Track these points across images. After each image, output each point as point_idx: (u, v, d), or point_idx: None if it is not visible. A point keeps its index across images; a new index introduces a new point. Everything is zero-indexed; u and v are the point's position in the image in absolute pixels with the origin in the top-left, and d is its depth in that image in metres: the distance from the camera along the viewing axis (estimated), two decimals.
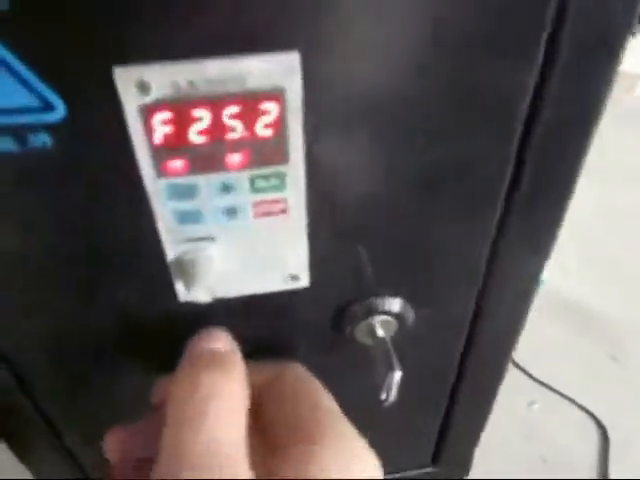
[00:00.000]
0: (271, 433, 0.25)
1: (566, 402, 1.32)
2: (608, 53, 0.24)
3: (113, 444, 0.27)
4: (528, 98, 0.25)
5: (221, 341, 0.25)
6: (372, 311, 0.32)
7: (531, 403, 1.31)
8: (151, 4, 0.20)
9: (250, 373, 0.25)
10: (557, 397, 1.32)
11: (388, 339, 0.32)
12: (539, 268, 0.33)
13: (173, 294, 0.29)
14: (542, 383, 1.32)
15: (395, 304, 0.32)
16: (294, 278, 0.30)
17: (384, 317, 0.32)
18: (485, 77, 0.24)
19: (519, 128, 0.26)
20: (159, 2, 0.20)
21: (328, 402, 0.26)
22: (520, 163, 0.27)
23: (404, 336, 0.33)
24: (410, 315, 0.33)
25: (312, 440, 0.23)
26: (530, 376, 1.29)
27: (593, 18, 0.23)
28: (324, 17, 0.21)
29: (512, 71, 0.24)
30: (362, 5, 0.21)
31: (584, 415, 1.30)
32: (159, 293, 0.29)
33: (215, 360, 0.24)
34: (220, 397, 0.23)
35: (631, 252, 1.50)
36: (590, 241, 1.52)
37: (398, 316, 0.32)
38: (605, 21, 0.23)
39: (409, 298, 0.32)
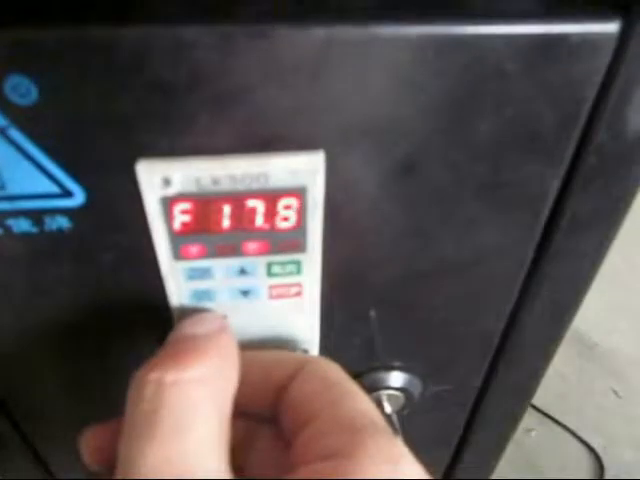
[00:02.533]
0: (293, 444, 0.21)
1: (564, 432, 1.31)
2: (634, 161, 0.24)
3: (92, 445, 0.22)
4: (552, 197, 0.25)
5: (205, 324, 0.22)
6: (379, 385, 0.31)
7: (529, 430, 1.30)
8: (176, 102, 0.20)
9: (261, 367, 0.23)
10: (555, 426, 1.32)
11: (394, 413, 0.32)
12: (555, 345, 0.33)
13: None
14: (541, 411, 1.32)
15: (403, 379, 0.32)
16: (304, 352, 0.29)
17: (391, 392, 0.32)
18: (512, 176, 0.24)
19: (542, 224, 0.26)
20: (184, 101, 0.20)
21: (366, 404, 0.22)
22: (539, 255, 0.27)
23: (410, 407, 0.33)
24: (417, 390, 0.32)
25: (346, 454, 0.19)
26: (530, 404, 1.28)
27: (622, 128, 0.22)
28: (349, 119, 0.21)
29: (538, 173, 0.24)
30: (386, 107, 0.21)
31: (581, 446, 1.29)
32: None
33: (193, 346, 0.21)
34: (189, 396, 0.19)
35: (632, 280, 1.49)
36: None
37: (405, 391, 0.32)
38: (633, 133, 0.23)
39: (417, 373, 0.32)
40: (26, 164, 0.21)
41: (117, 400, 0.21)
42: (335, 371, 0.23)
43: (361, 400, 0.22)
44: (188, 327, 0.23)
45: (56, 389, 0.32)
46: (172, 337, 0.22)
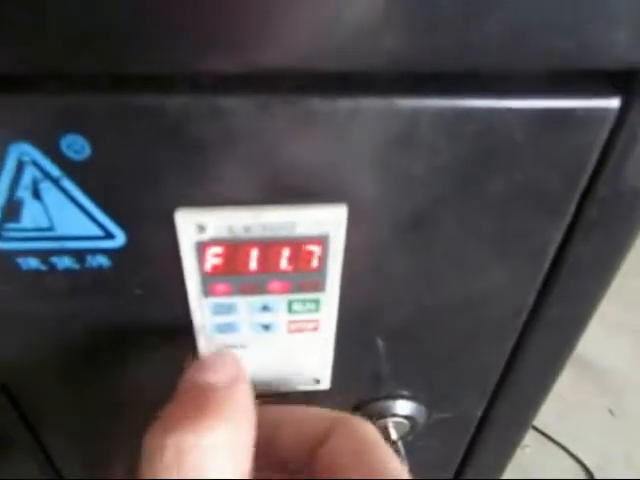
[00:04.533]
0: None
1: (558, 449, 1.33)
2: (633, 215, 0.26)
3: None
4: (555, 246, 0.27)
5: (221, 370, 0.22)
6: (386, 413, 0.33)
7: (523, 447, 1.32)
8: (212, 159, 0.22)
9: (295, 422, 0.23)
10: (550, 443, 1.33)
11: (399, 440, 0.33)
12: (555, 376, 0.34)
13: None
14: (536, 428, 1.34)
15: (409, 407, 0.33)
16: (316, 381, 0.31)
17: (397, 419, 0.34)
18: (517, 229, 0.26)
19: (544, 269, 0.28)
20: (220, 157, 0.22)
21: (397, 465, 0.22)
22: (541, 297, 0.29)
23: (414, 433, 0.35)
24: (422, 418, 0.34)
25: None
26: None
27: (620, 186, 0.24)
28: (370, 176, 0.23)
29: (542, 226, 0.26)
30: (405, 167, 0.23)
31: (575, 464, 1.31)
32: None
33: (209, 403, 0.20)
34: (209, 460, 0.19)
35: (638, 304, 1.50)
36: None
37: (410, 418, 0.34)
38: (630, 189, 0.25)
39: (422, 402, 0.34)
40: (74, 210, 0.22)
41: (132, 411, 0.22)
42: (371, 431, 0.24)
43: (394, 461, 0.22)
44: (203, 373, 0.22)
45: (78, 398, 0.33)
46: (187, 383, 0.22)
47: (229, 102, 0.20)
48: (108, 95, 0.20)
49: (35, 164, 0.21)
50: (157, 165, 0.22)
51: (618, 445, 1.29)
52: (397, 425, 0.34)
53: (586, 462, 1.28)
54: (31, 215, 0.22)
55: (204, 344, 0.28)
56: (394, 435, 0.33)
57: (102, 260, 0.24)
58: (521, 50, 0.20)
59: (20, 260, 0.24)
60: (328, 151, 0.22)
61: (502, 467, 0.43)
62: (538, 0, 0.19)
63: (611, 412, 1.35)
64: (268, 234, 0.24)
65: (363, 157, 0.22)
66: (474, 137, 0.22)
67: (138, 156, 0.21)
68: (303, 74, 0.20)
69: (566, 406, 1.34)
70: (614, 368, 1.42)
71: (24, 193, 0.22)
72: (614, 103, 0.21)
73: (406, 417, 0.34)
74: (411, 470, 0.30)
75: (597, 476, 1.26)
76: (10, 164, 0.21)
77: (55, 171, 0.21)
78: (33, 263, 0.24)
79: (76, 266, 0.24)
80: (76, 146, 0.21)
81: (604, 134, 0.22)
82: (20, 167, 0.21)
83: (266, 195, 0.23)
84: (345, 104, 0.21)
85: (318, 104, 0.20)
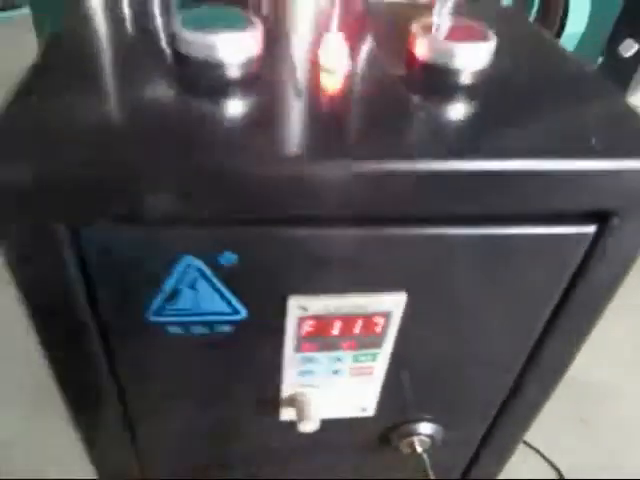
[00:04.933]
0: None
1: (531, 453, 1.43)
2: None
3: None
4: (546, 317, 0.37)
5: None
6: (412, 432, 0.43)
7: None
8: (316, 266, 0.31)
9: None
10: (525, 447, 1.43)
11: (424, 452, 0.43)
12: (547, 400, 0.44)
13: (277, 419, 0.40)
14: None
15: (430, 428, 0.43)
16: (363, 410, 0.41)
17: (422, 437, 0.43)
18: (519, 306, 0.36)
19: (539, 332, 0.38)
20: (321, 265, 0.31)
21: None
22: (536, 346, 0.39)
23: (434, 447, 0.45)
24: (440, 436, 0.44)
25: None
26: None
27: (595, 280, 0.35)
28: (422, 277, 0.33)
29: (535, 306, 0.36)
30: (446, 272, 0.32)
31: (549, 468, 1.41)
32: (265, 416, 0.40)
33: None
34: None
35: (611, 314, 1.61)
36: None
37: (431, 436, 0.44)
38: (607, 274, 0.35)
39: (440, 424, 0.44)
40: (216, 295, 0.32)
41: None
42: None
43: None
44: None
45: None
46: None
47: (334, 234, 0.30)
48: (258, 228, 0.29)
49: (197, 269, 0.30)
50: (280, 270, 0.31)
51: (590, 453, 1.40)
52: (421, 442, 0.44)
53: (560, 467, 1.38)
54: (185, 300, 0.32)
55: (288, 384, 0.38)
56: (419, 449, 0.43)
57: (226, 327, 0.34)
58: (532, 198, 0.30)
59: (169, 328, 0.33)
60: (396, 261, 0.32)
61: (501, 468, 0.53)
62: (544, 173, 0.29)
63: (584, 421, 1.45)
64: (347, 311, 0.33)
65: (418, 267, 0.32)
66: (494, 252, 0.32)
67: (270, 265, 0.31)
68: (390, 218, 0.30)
69: (541, 414, 1.45)
70: (588, 377, 1.52)
71: (184, 286, 0.31)
72: (592, 229, 0.32)
73: (428, 435, 0.44)
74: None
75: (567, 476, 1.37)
76: (179, 268, 0.30)
77: (209, 272, 0.31)
78: (177, 330, 0.33)
79: (207, 332, 0.34)
80: (228, 258, 0.30)
81: (584, 249, 0.32)
82: (186, 270, 0.30)
83: (349, 287, 0.33)
84: (405, 232, 0.30)
85: (393, 233, 0.30)
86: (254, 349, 0.36)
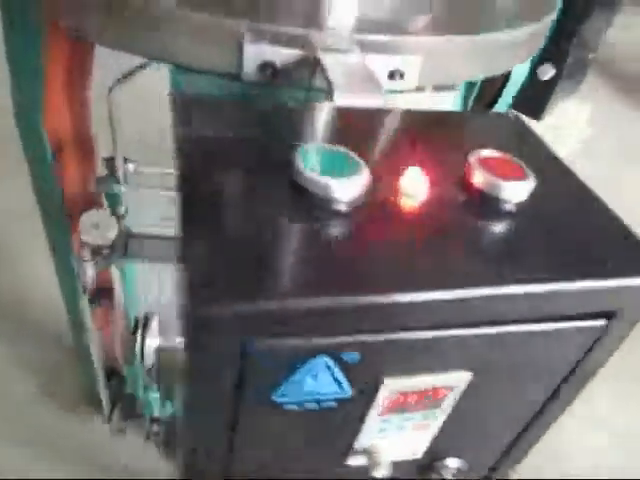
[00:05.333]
0: None
1: None
2: None
3: None
4: (552, 390, 0.49)
5: None
6: (446, 467, 0.54)
7: None
8: (411, 353, 0.41)
9: None
10: None
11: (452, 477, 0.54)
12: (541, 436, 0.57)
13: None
14: None
15: (459, 463, 0.54)
16: (414, 454, 0.51)
17: (451, 469, 0.54)
18: (536, 385, 0.47)
19: (545, 398, 0.50)
20: (415, 351, 0.41)
21: None
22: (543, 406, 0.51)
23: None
24: (465, 467, 0.55)
25: None
26: None
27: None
28: (485, 357, 0.43)
29: (545, 385, 0.47)
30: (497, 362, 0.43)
31: None
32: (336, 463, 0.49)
33: None
34: None
35: None
36: None
37: (459, 470, 0.55)
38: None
39: (465, 459, 0.55)
40: (331, 380, 0.41)
41: None
42: None
43: None
44: None
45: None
46: None
47: (425, 336, 0.40)
48: (379, 335, 0.38)
49: (325, 364, 0.39)
50: (384, 360, 0.40)
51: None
52: (449, 472, 0.55)
53: None
54: (308, 386, 0.40)
55: (363, 439, 0.47)
56: (448, 477, 0.54)
57: (332, 404, 0.43)
58: (561, 307, 0.41)
59: (286, 406, 0.42)
60: (465, 350, 0.42)
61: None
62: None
63: None
64: (423, 387, 0.43)
65: (479, 353, 0.42)
66: (530, 342, 0.43)
67: (377, 358, 0.40)
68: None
69: None
70: None
71: (309, 377, 0.40)
72: (602, 323, 0.43)
73: (455, 467, 0.55)
74: None
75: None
76: (312, 364, 0.39)
77: (333, 366, 0.39)
78: (293, 407, 0.42)
79: (316, 407, 0.42)
80: (352, 357, 0.39)
81: (593, 338, 0.44)
82: (316, 366, 0.39)
83: (430, 368, 0.43)
84: (473, 332, 0.41)
85: (465, 333, 0.40)
86: (346, 416, 0.45)
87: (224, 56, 0.58)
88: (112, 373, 1.52)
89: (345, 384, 0.41)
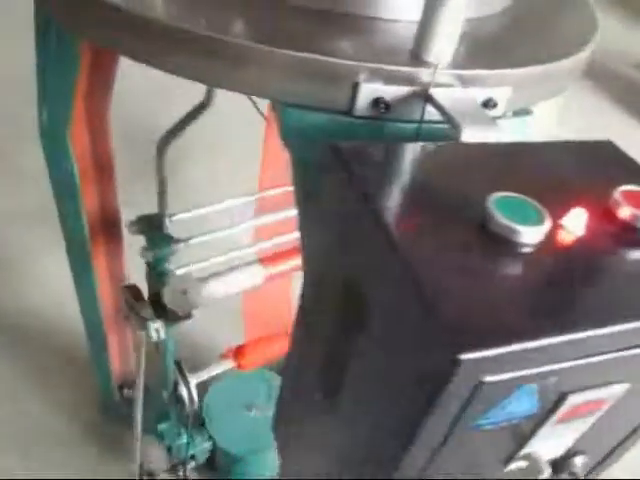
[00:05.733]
0: None
1: None
2: None
3: None
4: None
5: None
6: (575, 465, 0.61)
7: None
8: (587, 369, 0.47)
9: None
10: None
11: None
12: None
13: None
14: None
15: (584, 459, 0.61)
16: (557, 453, 0.58)
17: (580, 467, 0.61)
18: None
19: None
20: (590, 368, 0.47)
21: None
22: None
23: None
24: (589, 465, 0.62)
25: None
26: None
27: None
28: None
29: None
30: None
31: None
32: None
33: None
34: None
35: None
36: None
37: (584, 466, 0.62)
38: None
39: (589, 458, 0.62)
40: (528, 401, 0.46)
41: None
42: None
43: None
44: None
45: None
46: None
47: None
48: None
49: (528, 392, 0.45)
50: (567, 375, 0.46)
51: None
52: (578, 467, 0.61)
53: None
54: (508, 409, 0.46)
55: (530, 447, 0.53)
56: (580, 475, 0.61)
57: (518, 421, 0.48)
58: None
59: (484, 427, 0.47)
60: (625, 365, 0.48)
61: None
62: None
63: None
64: (591, 399, 0.49)
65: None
66: None
67: (561, 374, 0.46)
68: None
69: None
70: None
71: (513, 401, 0.45)
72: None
73: (582, 464, 0.62)
74: None
75: None
76: (519, 395, 0.44)
77: (534, 391, 0.45)
78: (489, 427, 0.47)
79: (507, 424, 0.48)
80: (551, 380, 0.45)
81: None
82: (522, 393, 0.44)
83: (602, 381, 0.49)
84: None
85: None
86: (524, 428, 0.51)
87: (338, 94, 0.63)
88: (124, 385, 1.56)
89: (535, 403, 0.47)
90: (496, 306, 0.42)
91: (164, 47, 0.64)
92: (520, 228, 0.45)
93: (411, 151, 0.55)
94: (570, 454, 0.61)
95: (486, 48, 0.73)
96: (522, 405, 0.46)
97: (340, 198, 0.53)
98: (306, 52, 0.61)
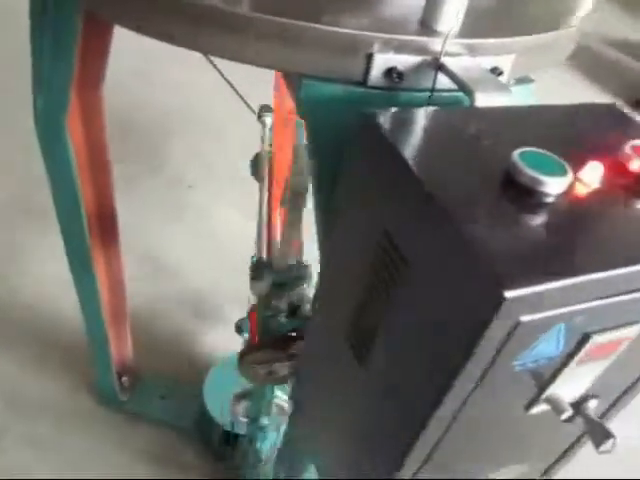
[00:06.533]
0: None
1: None
2: None
3: None
4: None
5: None
6: (590, 407, 0.65)
7: None
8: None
9: None
10: None
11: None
12: None
13: None
14: None
15: (597, 403, 0.65)
16: (576, 394, 0.61)
17: (595, 410, 0.65)
18: None
19: None
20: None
21: None
22: None
23: None
24: (602, 409, 0.66)
25: None
26: None
27: None
28: None
29: None
30: None
31: None
32: None
33: None
34: None
35: None
36: None
37: (597, 408, 0.65)
38: None
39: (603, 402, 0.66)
40: (556, 342, 0.49)
41: None
42: None
43: None
44: None
45: None
46: None
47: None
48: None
49: (559, 331, 0.48)
50: (591, 316, 0.50)
51: None
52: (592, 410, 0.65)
53: None
54: (537, 349, 0.49)
55: (553, 389, 0.56)
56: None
57: (544, 362, 0.51)
58: None
59: (516, 368, 0.50)
60: None
61: None
62: None
63: None
64: (616, 338, 0.53)
65: None
66: None
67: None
68: None
69: None
70: None
71: (544, 342, 0.48)
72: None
73: (596, 407, 0.65)
74: None
75: None
76: (550, 335, 0.47)
77: (564, 331, 0.48)
78: (519, 369, 0.50)
79: (534, 365, 0.51)
80: (579, 322, 0.48)
81: None
82: (553, 333, 0.47)
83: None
84: None
85: None
86: (547, 370, 0.54)
87: (352, 65, 0.65)
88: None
89: (562, 344, 0.50)
90: (529, 249, 0.45)
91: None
92: (545, 179, 0.48)
93: (435, 115, 0.58)
94: (584, 398, 0.65)
95: (490, 17, 0.76)
96: (550, 346, 0.49)
97: (374, 161, 0.55)
98: (320, 24, 0.63)
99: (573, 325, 0.49)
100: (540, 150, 0.51)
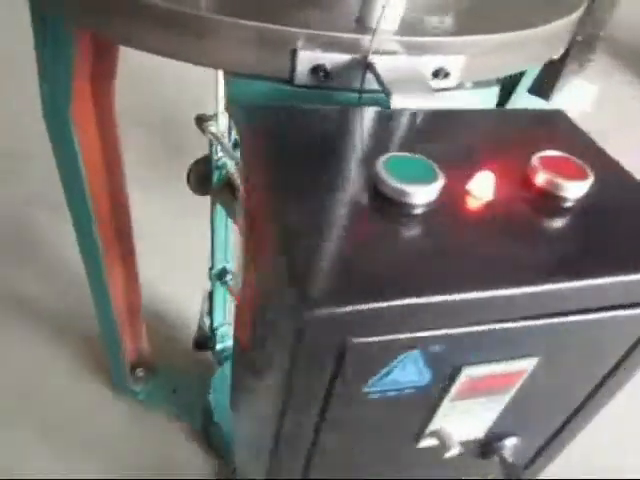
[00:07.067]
0: None
1: None
2: None
3: None
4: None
5: None
6: (505, 446, 0.58)
7: None
8: (488, 343, 0.44)
9: None
10: None
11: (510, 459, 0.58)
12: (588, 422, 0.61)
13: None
14: None
15: (516, 441, 0.58)
16: (477, 433, 0.55)
17: (511, 449, 0.58)
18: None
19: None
20: (491, 342, 0.44)
21: None
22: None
23: None
24: (522, 447, 0.59)
25: None
26: None
27: None
28: (552, 343, 0.47)
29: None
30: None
31: None
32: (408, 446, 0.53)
33: None
34: None
35: None
36: None
37: (516, 447, 0.59)
38: None
39: (523, 438, 0.59)
40: (417, 371, 0.44)
41: None
42: None
43: None
44: None
45: None
46: None
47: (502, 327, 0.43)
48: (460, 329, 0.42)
49: (414, 358, 0.43)
50: (463, 350, 0.44)
51: None
52: (508, 451, 0.58)
53: None
54: (395, 376, 0.44)
55: (435, 422, 0.51)
56: (509, 459, 0.58)
57: (412, 390, 0.46)
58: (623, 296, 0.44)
59: (371, 395, 0.45)
60: (533, 338, 0.45)
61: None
62: None
63: None
64: (498, 373, 0.47)
65: (547, 340, 0.46)
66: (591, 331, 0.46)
67: (456, 349, 0.43)
68: None
69: None
70: None
71: (399, 369, 0.43)
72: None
73: (514, 445, 0.58)
74: None
75: None
76: (404, 359, 0.42)
77: (420, 358, 0.43)
78: (376, 395, 0.46)
79: (397, 394, 0.46)
80: (437, 348, 0.42)
81: None
82: (406, 360, 0.43)
83: (503, 356, 0.46)
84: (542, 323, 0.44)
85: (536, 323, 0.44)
86: (422, 402, 0.48)
87: (277, 62, 0.62)
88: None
89: (426, 373, 0.45)
90: (366, 267, 0.40)
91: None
92: (407, 188, 0.43)
93: (313, 115, 0.54)
94: (497, 436, 0.58)
95: (442, 16, 0.70)
96: (409, 375, 0.44)
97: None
98: (247, 20, 0.60)
99: (434, 354, 0.43)
100: (412, 156, 0.46)
